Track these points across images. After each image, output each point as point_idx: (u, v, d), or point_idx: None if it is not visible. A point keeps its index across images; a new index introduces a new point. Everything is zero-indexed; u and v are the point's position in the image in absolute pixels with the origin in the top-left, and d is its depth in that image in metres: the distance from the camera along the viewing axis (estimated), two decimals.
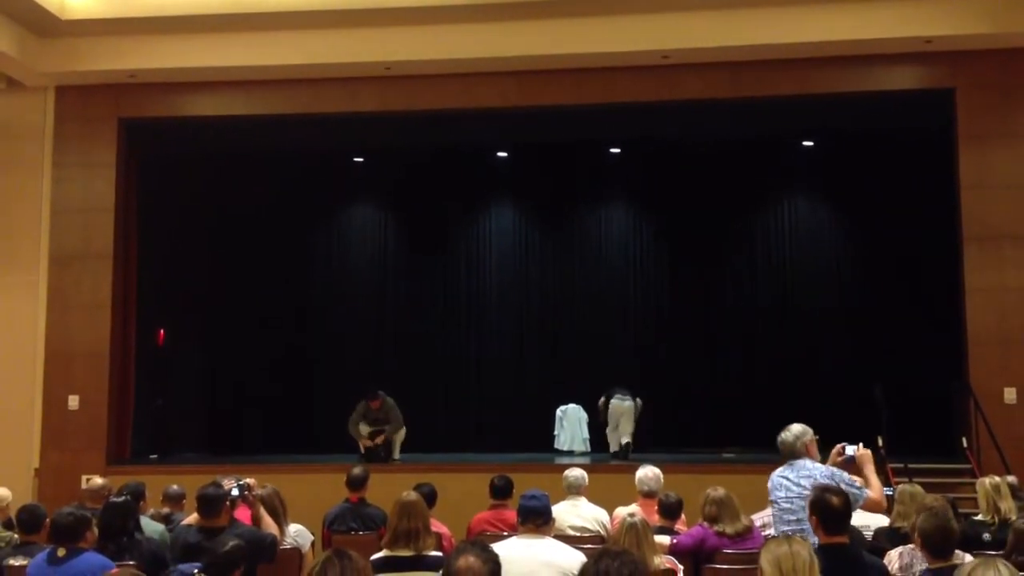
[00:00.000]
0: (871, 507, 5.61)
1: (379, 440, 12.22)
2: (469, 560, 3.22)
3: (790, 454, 5.64)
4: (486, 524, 7.11)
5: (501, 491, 7.33)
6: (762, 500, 7.13)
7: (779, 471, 5.64)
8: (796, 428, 5.68)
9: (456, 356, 15.56)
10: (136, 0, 11.65)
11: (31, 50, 11.91)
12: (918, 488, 6.44)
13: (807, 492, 5.11)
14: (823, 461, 5.69)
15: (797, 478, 5.48)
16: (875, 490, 5.52)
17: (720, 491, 6.29)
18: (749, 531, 6.19)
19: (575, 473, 7.28)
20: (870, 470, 5.64)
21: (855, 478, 5.50)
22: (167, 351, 13.85)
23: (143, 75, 12.33)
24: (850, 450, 5.72)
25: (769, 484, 5.70)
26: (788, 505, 5.43)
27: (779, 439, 5.70)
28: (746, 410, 14.30)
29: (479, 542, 3.45)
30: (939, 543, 4.73)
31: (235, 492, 5.85)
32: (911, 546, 5.33)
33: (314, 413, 14.89)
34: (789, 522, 5.39)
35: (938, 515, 4.86)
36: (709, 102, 12.09)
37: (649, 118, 12.52)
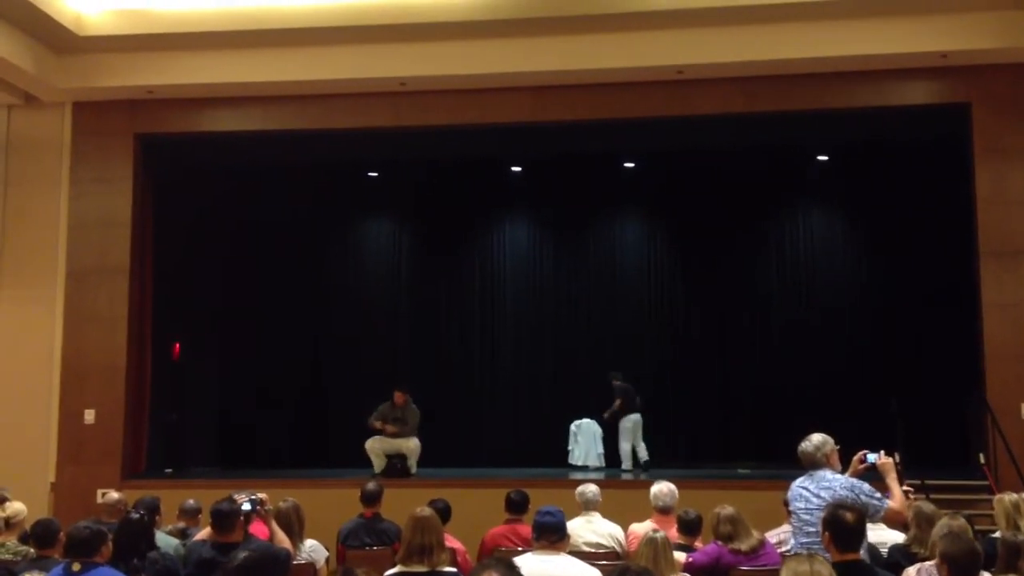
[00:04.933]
0: (892, 517, 5.54)
1: (391, 429, 12.22)
2: (492, 575, 3.22)
3: (811, 464, 5.59)
4: (501, 539, 7.09)
5: (517, 506, 7.30)
6: (778, 516, 7.11)
7: (799, 481, 5.60)
8: (817, 438, 5.64)
9: (471, 370, 15.57)
10: (152, 17, 11.72)
11: (48, 66, 12.00)
12: (932, 507, 6.38)
13: (826, 504, 5.08)
14: (844, 470, 5.65)
15: (817, 489, 5.44)
16: (896, 500, 5.47)
17: (729, 508, 6.26)
18: (762, 544, 6.16)
19: (590, 489, 7.26)
20: (892, 479, 5.59)
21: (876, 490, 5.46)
22: (183, 365, 13.89)
23: (159, 91, 12.41)
24: (871, 458, 5.67)
25: (788, 494, 5.66)
26: (807, 517, 5.39)
27: (800, 449, 5.65)
28: (761, 425, 14.27)
29: (504, 560, 3.44)
30: (965, 567, 4.68)
31: (247, 507, 5.85)
32: (929, 563, 5.29)
33: (329, 427, 14.91)
34: (808, 533, 5.35)
35: (963, 538, 4.81)
36: (723, 117, 12.10)
37: (664, 133, 12.53)
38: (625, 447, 13.34)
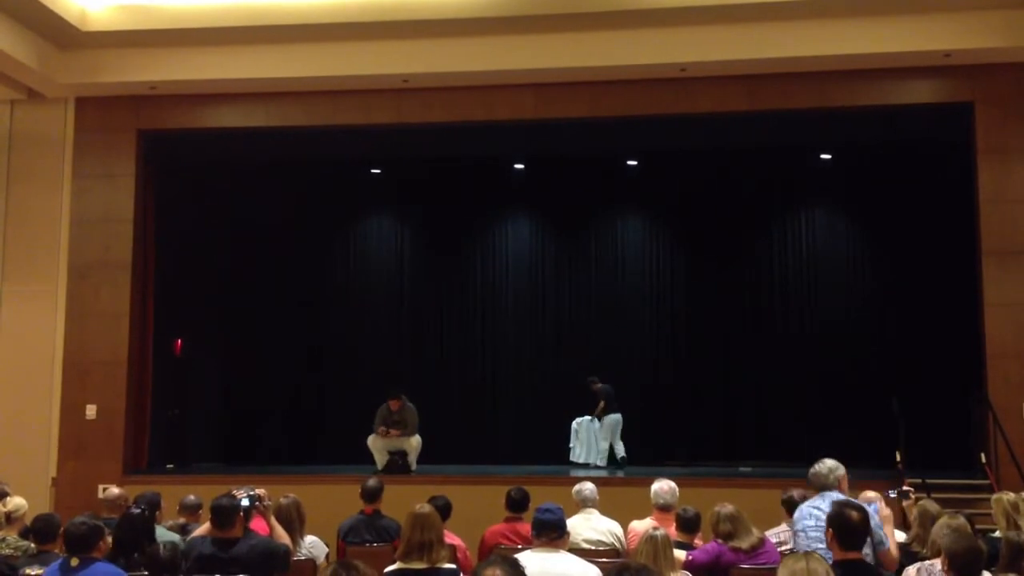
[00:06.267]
0: (886, 563, 5.53)
1: (395, 433, 12.26)
2: (496, 573, 3.22)
3: (822, 486, 5.63)
4: (500, 537, 7.09)
5: (517, 504, 7.29)
6: (778, 515, 7.11)
7: (810, 502, 5.61)
8: (830, 462, 5.70)
9: (472, 368, 15.57)
10: (156, 13, 11.72)
11: (52, 62, 12.00)
12: (936, 507, 6.37)
13: None
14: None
15: (828, 508, 5.43)
16: (892, 549, 5.46)
17: (729, 507, 6.27)
18: (762, 543, 6.17)
19: (587, 487, 7.26)
20: (890, 529, 5.60)
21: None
22: (184, 361, 13.91)
23: (163, 87, 12.42)
24: (872, 508, 5.67)
25: (796, 515, 5.66)
26: (816, 534, 5.38)
27: (812, 471, 5.71)
28: (763, 424, 14.27)
29: (509, 558, 3.44)
30: (967, 564, 4.67)
31: (245, 502, 5.85)
32: (929, 562, 5.29)
33: (330, 424, 14.92)
34: (819, 551, 5.33)
35: (966, 535, 4.80)
36: (726, 115, 12.07)
37: (666, 131, 12.50)
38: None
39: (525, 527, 6.63)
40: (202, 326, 14.30)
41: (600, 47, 11.58)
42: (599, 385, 13.82)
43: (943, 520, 5.61)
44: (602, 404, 13.65)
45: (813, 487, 5.68)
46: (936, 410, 12.06)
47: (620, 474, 12.85)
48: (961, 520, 5.58)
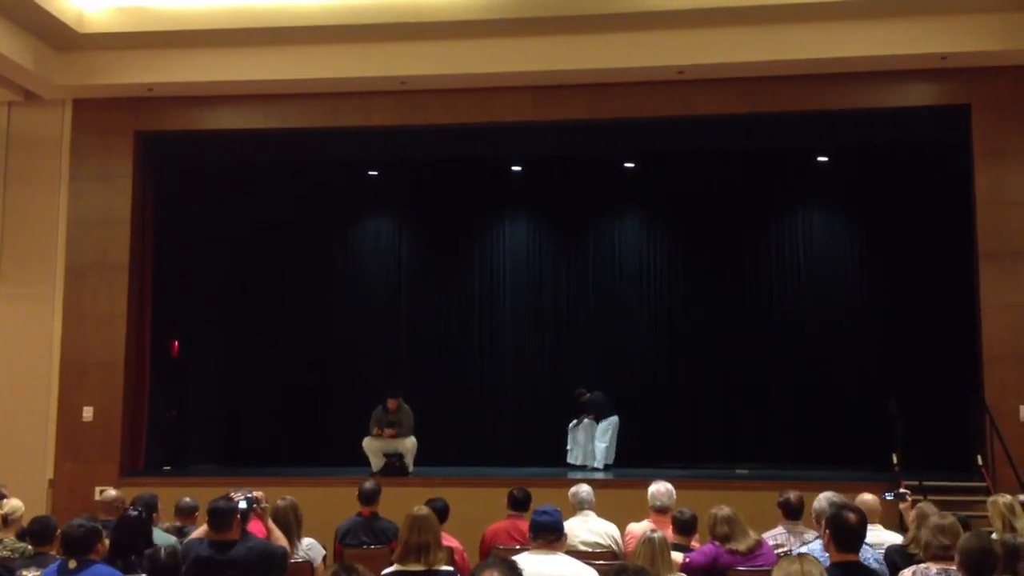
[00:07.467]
0: None
1: (390, 432, 12.25)
2: (494, 574, 3.23)
3: None
4: (502, 534, 7.11)
5: (520, 503, 7.32)
6: (776, 517, 7.11)
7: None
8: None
9: (470, 370, 15.54)
10: (154, 14, 11.72)
11: (49, 63, 11.99)
12: (934, 509, 6.36)
13: None
14: None
15: None
16: None
17: (726, 509, 6.28)
18: (759, 545, 6.17)
19: (583, 489, 7.27)
20: None
21: None
22: (182, 362, 13.90)
23: (160, 89, 12.41)
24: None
25: (806, 549, 5.62)
26: None
27: (816, 507, 5.68)
28: (760, 426, 14.27)
29: (507, 560, 3.45)
30: (979, 564, 4.67)
31: (243, 505, 5.86)
32: (924, 565, 5.29)
33: (327, 425, 14.91)
34: None
35: (982, 536, 4.81)
36: (724, 117, 12.09)
37: (664, 133, 12.52)
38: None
39: (526, 525, 6.63)
40: (200, 327, 14.30)
41: (598, 49, 11.58)
42: (588, 396, 13.79)
43: (932, 520, 5.59)
44: (593, 417, 13.63)
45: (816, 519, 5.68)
46: (933, 412, 12.07)
47: (602, 475, 12.86)
48: (952, 520, 5.56)
